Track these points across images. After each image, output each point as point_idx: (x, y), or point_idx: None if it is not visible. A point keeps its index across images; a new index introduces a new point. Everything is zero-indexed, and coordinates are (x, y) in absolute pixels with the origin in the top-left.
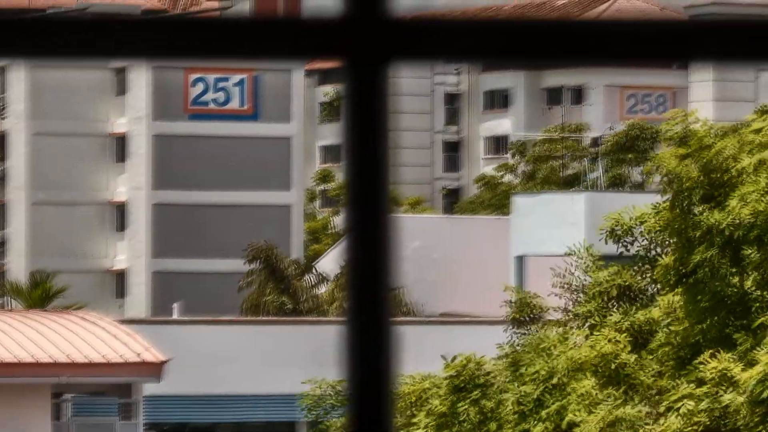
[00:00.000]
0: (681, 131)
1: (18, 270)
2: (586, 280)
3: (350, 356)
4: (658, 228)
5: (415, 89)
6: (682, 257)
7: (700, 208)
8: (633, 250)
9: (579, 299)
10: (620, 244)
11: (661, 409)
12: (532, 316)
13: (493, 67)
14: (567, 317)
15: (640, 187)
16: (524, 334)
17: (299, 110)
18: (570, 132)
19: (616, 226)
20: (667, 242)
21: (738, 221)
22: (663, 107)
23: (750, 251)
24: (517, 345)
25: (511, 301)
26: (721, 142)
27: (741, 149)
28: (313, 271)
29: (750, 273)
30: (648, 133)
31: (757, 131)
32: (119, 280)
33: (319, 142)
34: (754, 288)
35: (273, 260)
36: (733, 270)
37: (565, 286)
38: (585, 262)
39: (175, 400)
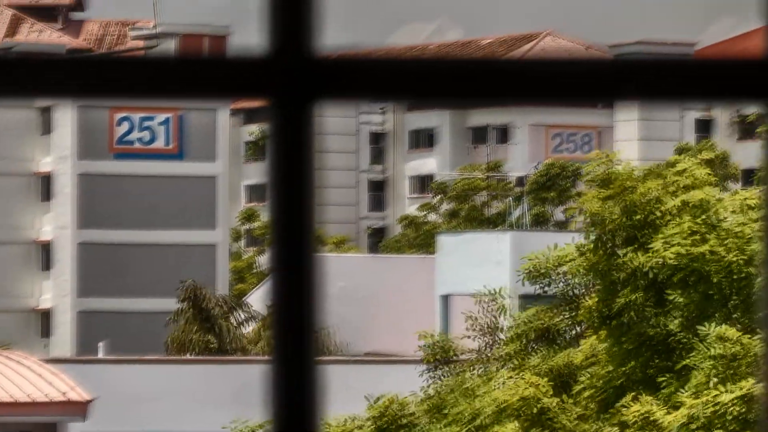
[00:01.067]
0: (603, 173)
1: None
2: (507, 321)
3: (275, 396)
4: (582, 269)
5: (340, 128)
6: (606, 299)
7: (624, 250)
8: (555, 291)
9: (499, 340)
10: (541, 285)
11: None
12: (451, 357)
13: (418, 106)
14: (488, 359)
15: (563, 227)
16: (444, 376)
17: (224, 149)
18: (494, 171)
19: (537, 266)
20: (590, 283)
21: (662, 263)
22: (588, 146)
23: (674, 294)
24: (441, 386)
25: (427, 345)
26: (645, 184)
27: (665, 191)
28: (240, 309)
29: (674, 315)
30: (568, 171)
31: (681, 172)
32: (44, 319)
33: (244, 181)
34: (678, 330)
35: (199, 299)
36: (657, 312)
37: (486, 327)
38: (508, 303)
39: None
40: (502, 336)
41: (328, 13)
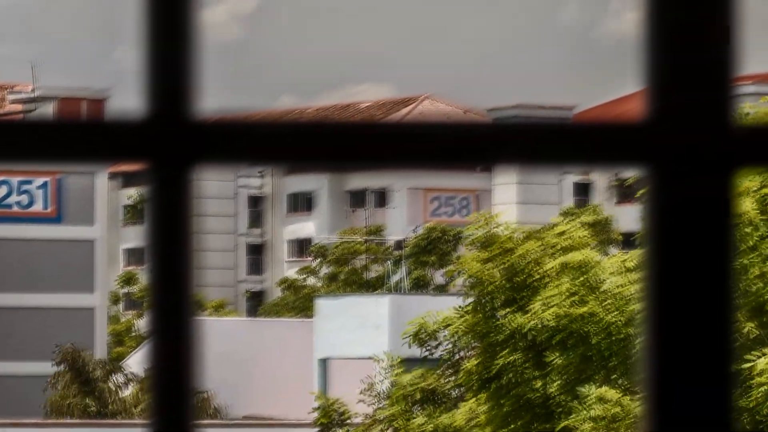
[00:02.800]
0: (483, 235)
1: None
2: (390, 384)
3: None
4: (462, 332)
5: (218, 192)
6: (486, 361)
7: (504, 312)
8: (437, 354)
9: (383, 403)
10: (424, 348)
11: None
12: (338, 420)
13: (296, 169)
14: (372, 421)
15: (443, 290)
16: None
17: (103, 213)
18: (373, 234)
19: (420, 330)
20: (471, 345)
21: (541, 325)
22: (467, 210)
23: (553, 355)
24: None
25: (317, 407)
26: (524, 246)
27: (544, 252)
28: (119, 372)
29: (553, 377)
30: (449, 236)
31: (560, 234)
32: None
33: (122, 244)
34: (557, 392)
35: (79, 363)
36: (537, 374)
37: (369, 390)
38: (388, 366)
39: None
40: (385, 399)
41: (216, 77)
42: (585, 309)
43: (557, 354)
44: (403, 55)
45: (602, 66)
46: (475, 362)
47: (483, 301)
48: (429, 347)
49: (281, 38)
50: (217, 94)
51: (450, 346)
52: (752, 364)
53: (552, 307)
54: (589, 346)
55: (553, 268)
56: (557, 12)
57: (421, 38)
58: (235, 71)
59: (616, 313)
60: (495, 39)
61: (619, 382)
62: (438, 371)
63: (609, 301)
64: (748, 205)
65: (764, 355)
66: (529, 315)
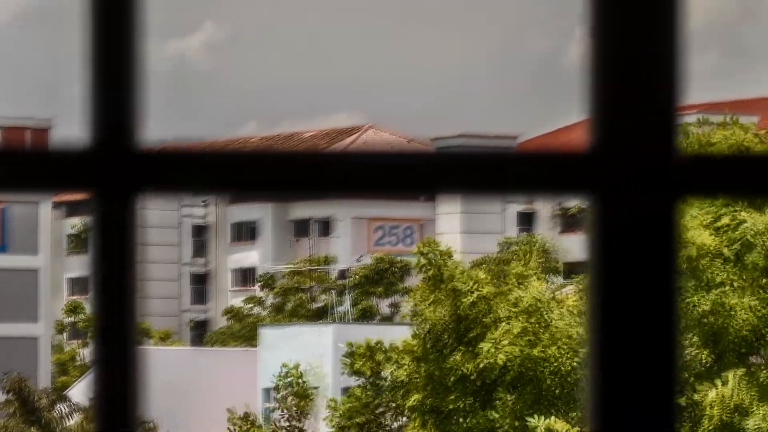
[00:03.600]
0: (429, 264)
1: None
2: (330, 412)
3: None
4: (408, 363)
5: (162, 221)
6: (432, 396)
7: (450, 342)
8: (380, 383)
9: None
10: (367, 377)
11: None
12: None
13: (240, 199)
14: None
15: (389, 320)
16: None
17: (47, 242)
18: (317, 264)
19: (360, 358)
20: (416, 377)
21: (491, 363)
22: (410, 239)
23: (503, 395)
24: None
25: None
26: (472, 272)
27: (497, 292)
28: (63, 402)
29: (502, 411)
30: (397, 267)
31: (508, 266)
32: None
33: (67, 274)
34: (506, 424)
35: (24, 392)
36: (485, 412)
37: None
38: (330, 394)
39: None
40: (325, 427)
41: (184, 105)
42: (537, 349)
43: (507, 394)
44: (374, 86)
45: (547, 95)
46: (420, 396)
47: (431, 337)
48: (371, 376)
49: (252, 66)
50: (184, 122)
51: (394, 375)
52: (704, 394)
53: (503, 347)
54: (540, 387)
55: (504, 307)
56: (503, 42)
57: (396, 70)
58: (206, 99)
59: (568, 354)
60: (440, 68)
61: (568, 418)
62: (380, 400)
63: (561, 342)
64: (701, 235)
65: (716, 386)
66: (480, 357)
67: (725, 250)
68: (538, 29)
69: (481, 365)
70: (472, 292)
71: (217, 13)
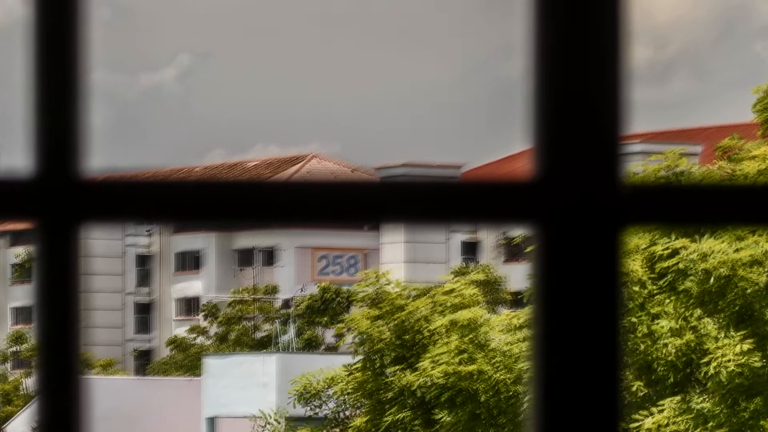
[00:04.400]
0: (373, 293)
1: None
2: None
3: None
4: (350, 389)
5: (106, 251)
6: (375, 419)
7: (393, 369)
8: (324, 412)
9: None
10: (310, 407)
11: None
12: None
13: (184, 228)
14: None
15: (333, 349)
16: None
17: None
18: (261, 293)
19: (306, 388)
20: (359, 403)
21: (430, 382)
22: (354, 268)
23: (441, 413)
24: None
25: None
26: (414, 303)
27: (433, 310)
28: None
29: None
30: (342, 297)
31: (450, 292)
32: None
33: (10, 303)
34: None
35: None
36: (426, 431)
37: None
38: (275, 425)
39: None
40: None
41: (149, 132)
42: (474, 367)
43: (445, 412)
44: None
45: (491, 123)
46: (363, 420)
47: (372, 358)
48: (317, 405)
49: (217, 95)
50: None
51: (337, 404)
52: (639, 423)
53: (441, 364)
54: (477, 404)
55: (442, 325)
56: (448, 71)
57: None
58: (171, 127)
59: (504, 371)
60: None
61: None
62: (325, 429)
63: (498, 359)
64: (636, 264)
65: (651, 414)
66: (417, 372)
67: (650, 280)
68: (483, 58)
69: (419, 382)
70: (413, 313)
71: (188, 44)
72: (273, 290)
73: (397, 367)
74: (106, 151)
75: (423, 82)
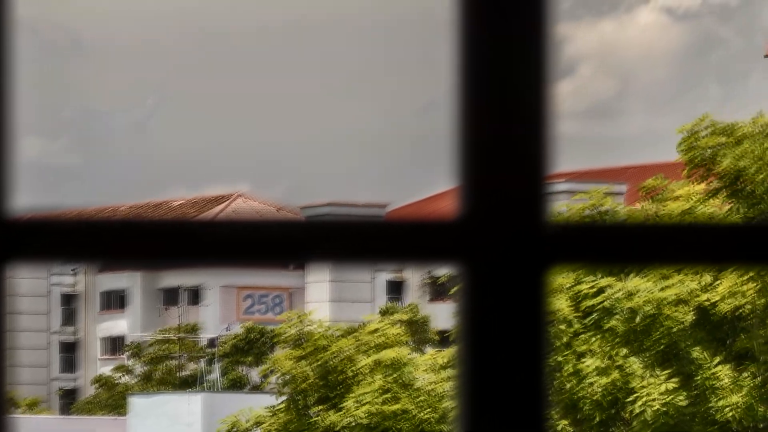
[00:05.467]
0: (297, 333)
1: None
2: None
3: None
4: (274, 430)
5: (31, 290)
6: None
7: (317, 409)
8: None
9: None
10: None
11: None
12: None
13: (109, 267)
14: None
15: (259, 389)
16: None
17: None
18: (187, 332)
19: (232, 428)
20: None
21: (354, 422)
22: (280, 307)
23: None
24: None
25: None
26: (338, 343)
27: (358, 350)
28: None
29: None
30: (267, 337)
31: (374, 332)
32: None
33: None
34: None
35: None
36: None
37: None
38: None
39: None
40: None
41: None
42: (398, 406)
43: None
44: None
45: (417, 163)
46: None
47: (296, 398)
48: None
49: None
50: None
51: None
52: None
53: (365, 404)
54: None
55: (366, 365)
56: (374, 111)
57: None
58: (126, 165)
59: (429, 410)
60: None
61: None
62: None
63: (422, 398)
64: (562, 303)
65: None
66: (342, 413)
67: (576, 319)
68: (409, 97)
69: (343, 422)
70: (337, 353)
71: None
72: (198, 329)
73: (321, 407)
74: (48, 189)
75: (355, 126)
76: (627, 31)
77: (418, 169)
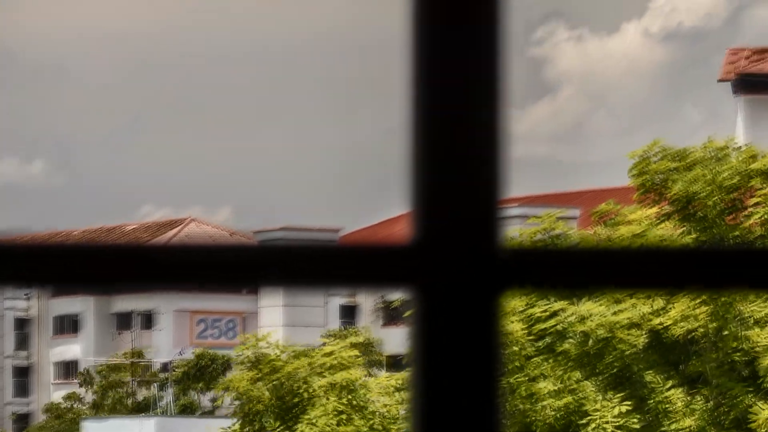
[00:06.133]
0: (253, 355)
1: None
2: None
3: None
4: None
5: None
6: None
7: (271, 430)
8: None
9: None
10: None
11: None
12: None
13: (62, 292)
14: None
15: (211, 413)
16: None
17: None
18: (140, 357)
19: None
20: None
21: None
22: (233, 332)
23: None
24: None
25: None
26: (293, 364)
27: (312, 371)
28: None
29: None
30: (218, 363)
31: (328, 354)
32: None
33: None
34: None
35: None
36: None
37: None
38: None
39: None
40: None
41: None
42: (351, 428)
43: None
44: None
45: (368, 186)
46: None
47: (251, 420)
48: None
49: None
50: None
51: None
52: None
53: (319, 426)
54: None
55: (320, 387)
56: (327, 134)
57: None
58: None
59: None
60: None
61: None
62: None
63: (375, 420)
64: (515, 326)
65: None
66: None
67: (529, 342)
68: (361, 122)
69: None
70: (291, 374)
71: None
72: (151, 354)
73: (275, 429)
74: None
75: (311, 150)
76: (607, 52)
77: (373, 193)
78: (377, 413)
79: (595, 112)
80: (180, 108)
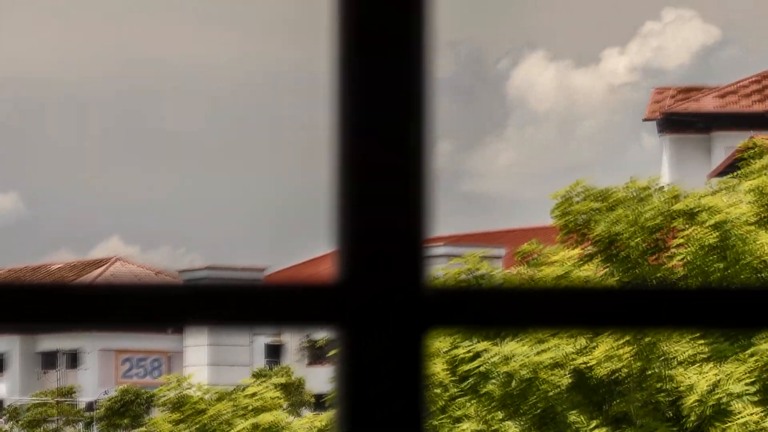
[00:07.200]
0: (175, 396)
1: None
2: None
3: None
4: None
5: None
6: None
7: None
8: None
9: None
10: None
11: None
12: None
13: None
14: None
15: None
16: None
17: None
18: (65, 396)
19: None
20: None
21: None
22: (158, 371)
23: None
24: None
25: None
26: (216, 406)
27: (235, 413)
28: None
29: None
30: (143, 398)
31: (252, 395)
32: None
33: None
34: None
35: None
36: None
37: None
38: None
39: None
40: None
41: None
42: None
43: None
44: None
45: (295, 226)
46: None
47: None
48: None
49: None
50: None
51: None
52: None
53: None
54: None
55: (244, 429)
56: (252, 174)
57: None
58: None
59: None
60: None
61: None
62: None
63: None
64: (438, 367)
65: None
66: None
67: (453, 383)
68: (286, 161)
69: None
70: (215, 416)
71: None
72: (76, 393)
73: None
74: None
75: (235, 189)
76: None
77: (298, 232)
78: None
79: (545, 148)
80: (110, 147)
